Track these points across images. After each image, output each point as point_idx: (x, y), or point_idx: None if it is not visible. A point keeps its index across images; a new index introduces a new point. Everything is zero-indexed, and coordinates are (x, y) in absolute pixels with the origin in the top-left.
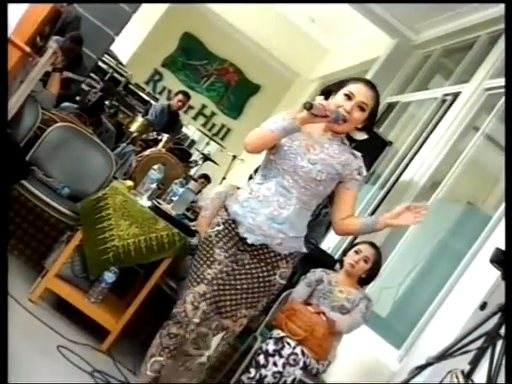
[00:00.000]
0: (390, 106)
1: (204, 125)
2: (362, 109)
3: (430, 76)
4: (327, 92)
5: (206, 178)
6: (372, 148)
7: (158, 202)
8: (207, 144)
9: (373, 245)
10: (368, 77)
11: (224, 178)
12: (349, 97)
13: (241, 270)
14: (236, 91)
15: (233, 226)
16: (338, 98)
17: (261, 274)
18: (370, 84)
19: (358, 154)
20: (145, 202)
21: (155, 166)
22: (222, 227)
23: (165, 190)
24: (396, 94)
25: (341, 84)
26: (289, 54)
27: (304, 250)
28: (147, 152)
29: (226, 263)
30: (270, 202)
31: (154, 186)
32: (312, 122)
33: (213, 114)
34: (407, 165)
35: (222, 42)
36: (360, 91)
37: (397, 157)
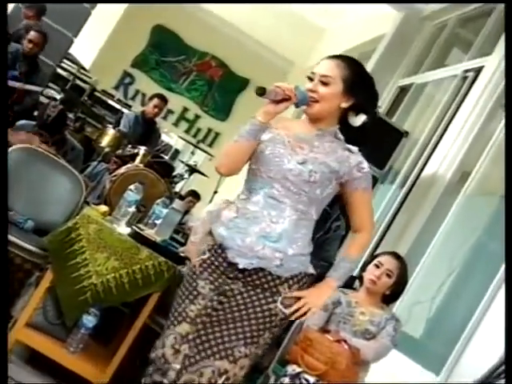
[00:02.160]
0: (403, 90)
1: (187, 131)
2: (323, 83)
3: (447, 51)
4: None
5: (195, 195)
6: (385, 141)
7: (139, 228)
8: (193, 153)
9: (396, 255)
10: (374, 58)
11: (216, 193)
12: (310, 78)
13: (231, 301)
14: (221, 88)
15: (219, 251)
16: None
17: (257, 303)
18: (333, 56)
19: (355, 148)
20: (123, 228)
21: (132, 186)
22: (207, 255)
23: (146, 213)
24: (409, 75)
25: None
26: (279, 41)
27: (311, 270)
28: (122, 169)
29: (211, 297)
30: (260, 217)
31: (132, 209)
32: (277, 110)
33: (197, 117)
34: (429, 157)
35: (201, 32)
36: (319, 67)
37: (416, 148)
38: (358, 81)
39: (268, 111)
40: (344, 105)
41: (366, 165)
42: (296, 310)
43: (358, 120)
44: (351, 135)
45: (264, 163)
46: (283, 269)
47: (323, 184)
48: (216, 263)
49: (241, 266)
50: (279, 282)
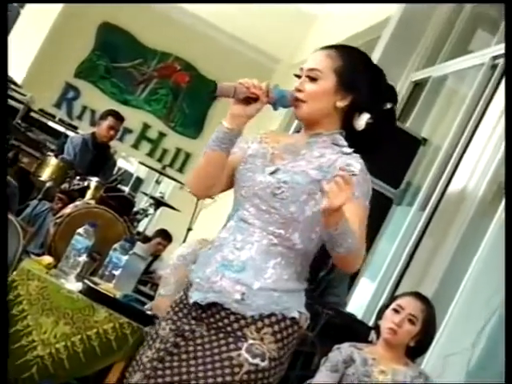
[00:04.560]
0: (418, 86)
1: (150, 154)
2: (311, 79)
3: (469, 33)
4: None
5: (165, 236)
6: (399, 152)
7: (94, 282)
8: (158, 182)
9: (419, 296)
10: (379, 48)
11: (190, 230)
12: (298, 76)
13: (188, 345)
14: (190, 97)
15: (188, 289)
16: None
17: (216, 350)
18: (325, 47)
19: (349, 149)
20: (73, 284)
21: (81, 229)
22: (179, 294)
23: (101, 262)
24: (423, 66)
25: None
26: (260, 33)
27: (293, 313)
28: (69, 208)
29: (168, 339)
30: (225, 243)
31: (82, 258)
32: (247, 113)
33: (161, 135)
34: (455, 169)
35: (159, 28)
36: (309, 61)
37: (438, 159)
38: (355, 72)
39: (234, 114)
40: (340, 104)
41: (357, 167)
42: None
43: (360, 121)
44: (359, 143)
45: (238, 181)
46: (245, 306)
47: (299, 199)
48: (184, 302)
49: (191, 301)
50: (244, 323)
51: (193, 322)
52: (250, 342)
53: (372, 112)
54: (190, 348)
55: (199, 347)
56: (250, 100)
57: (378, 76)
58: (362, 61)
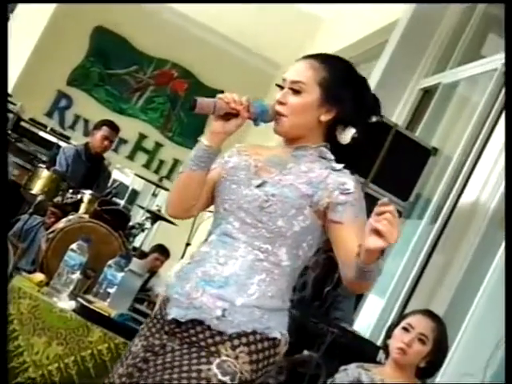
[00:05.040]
0: (428, 93)
1: (147, 165)
2: (295, 92)
3: (481, 37)
4: None
5: (162, 251)
6: (408, 163)
7: (88, 300)
8: (155, 195)
9: (430, 314)
10: (386, 53)
11: (188, 245)
12: (280, 86)
13: (157, 360)
14: (188, 105)
15: (165, 304)
16: None
17: (185, 363)
18: (307, 56)
19: (339, 165)
20: (66, 303)
21: (74, 245)
22: (155, 309)
23: (96, 279)
24: (433, 72)
25: None
26: (262, 38)
27: (275, 333)
28: (62, 223)
29: (139, 354)
30: (207, 258)
31: (76, 275)
32: (226, 129)
33: (158, 145)
34: (467, 180)
35: (156, 33)
36: (290, 71)
37: (449, 170)
38: (339, 84)
39: (214, 131)
40: (324, 118)
41: (351, 185)
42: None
43: (345, 136)
44: (344, 156)
45: (220, 194)
46: (226, 323)
47: (288, 213)
48: (158, 317)
49: (169, 318)
50: (220, 339)
51: (165, 336)
52: (223, 358)
53: (357, 126)
54: (159, 361)
55: (168, 359)
56: (229, 116)
57: (363, 87)
58: (347, 71)
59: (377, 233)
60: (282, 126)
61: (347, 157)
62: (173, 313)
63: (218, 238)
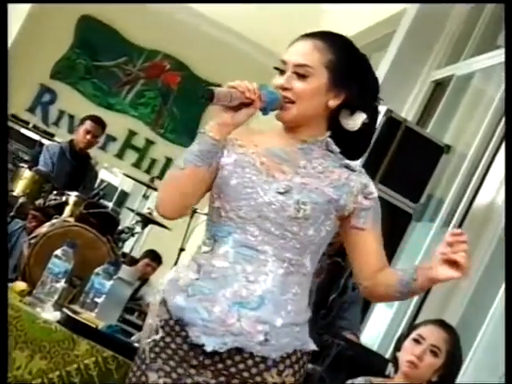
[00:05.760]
0: (440, 86)
1: (137, 164)
2: (300, 76)
3: (497, 26)
4: None
5: (154, 257)
6: (419, 161)
7: (74, 311)
8: (146, 197)
9: (443, 324)
10: (395, 43)
11: (182, 250)
12: (281, 70)
13: None
14: (182, 100)
15: (177, 329)
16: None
17: None
18: (309, 35)
19: (355, 163)
20: (50, 313)
21: (59, 251)
22: (160, 335)
23: (82, 288)
24: (446, 64)
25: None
26: (262, 28)
27: (312, 346)
28: (45, 227)
29: None
30: (231, 275)
31: (61, 283)
32: (236, 121)
33: (148, 143)
34: (482, 179)
35: (147, 23)
36: (291, 52)
37: (463, 168)
38: (347, 66)
39: (223, 123)
40: (332, 103)
41: (372, 187)
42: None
43: (356, 121)
44: (348, 145)
45: (230, 198)
46: (270, 347)
47: (318, 220)
48: (173, 346)
49: (209, 349)
50: (264, 366)
51: (192, 370)
52: None
53: (367, 110)
54: None
55: None
56: (240, 106)
57: (367, 67)
58: (352, 51)
59: (451, 263)
60: (289, 113)
61: (351, 146)
62: (209, 343)
63: (237, 250)
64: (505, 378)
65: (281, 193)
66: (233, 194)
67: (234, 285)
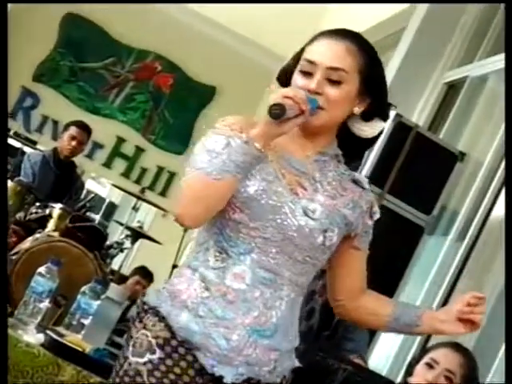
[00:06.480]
0: (453, 88)
1: (126, 174)
2: (333, 82)
3: None
4: (285, 75)
5: (145, 274)
6: (431, 170)
7: (58, 333)
8: (136, 209)
9: (458, 347)
10: (404, 43)
11: (175, 267)
12: (307, 73)
13: None
14: (174, 104)
15: (182, 351)
16: (294, 79)
17: None
18: (336, 33)
19: (363, 178)
20: (33, 336)
21: (42, 268)
22: (158, 355)
23: (67, 308)
24: (459, 64)
25: (297, 55)
26: (260, 27)
27: (297, 363)
28: (27, 243)
29: None
30: (251, 301)
31: (44, 304)
32: (281, 132)
33: (138, 150)
34: (499, 189)
35: (136, 21)
36: (321, 53)
37: (479, 178)
38: (375, 71)
39: (271, 133)
40: (357, 110)
41: (376, 206)
42: None
43: (374, 128)
44: (351, 149)
45: (256, 216)
46: (276, 373)
47: (336, 245)
48: (177, 371)
49: (228, 382)
50: None
51: None
52: None
53: (385, 118)
54: None
55: None
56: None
57: (384, 70)
58: (376, 54)
59: (465, 321)
60: (319, 120)
61: (355, 150)
62: (227, 375)
63: (255, 271)
64: (505, 378)
65: (311, 217)
66: (260, 212)
67: (255, 311)
